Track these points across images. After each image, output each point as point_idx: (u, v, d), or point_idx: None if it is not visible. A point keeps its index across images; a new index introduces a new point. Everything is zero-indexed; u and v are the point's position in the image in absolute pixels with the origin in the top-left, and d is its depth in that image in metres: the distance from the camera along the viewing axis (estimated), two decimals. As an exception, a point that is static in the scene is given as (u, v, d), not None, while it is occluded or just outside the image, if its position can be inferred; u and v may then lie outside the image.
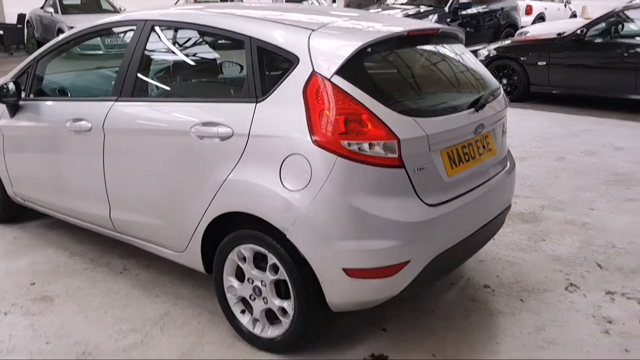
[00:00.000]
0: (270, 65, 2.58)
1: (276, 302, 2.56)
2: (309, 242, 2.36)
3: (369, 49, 2.48)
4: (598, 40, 7.93)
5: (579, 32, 7.99)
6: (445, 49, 2.93)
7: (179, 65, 3.17)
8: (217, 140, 2.58)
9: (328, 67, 2.38)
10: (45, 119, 3.41)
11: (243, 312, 2.74)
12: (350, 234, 2.32)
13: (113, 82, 3.11)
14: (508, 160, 3.13)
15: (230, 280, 2.73)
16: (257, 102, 2.50)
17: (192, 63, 3.14)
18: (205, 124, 2.63)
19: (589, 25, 8.05)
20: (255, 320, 2.69)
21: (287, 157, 2.37)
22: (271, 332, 2.64)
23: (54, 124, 3.33)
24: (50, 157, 3.41)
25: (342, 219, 2.32)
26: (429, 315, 2.98)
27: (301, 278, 2.44)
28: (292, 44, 2.49)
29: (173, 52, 3.14)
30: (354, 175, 2.30)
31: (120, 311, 3.04)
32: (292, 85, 2.43)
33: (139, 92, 3.01)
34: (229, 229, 2.67)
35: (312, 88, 2.37)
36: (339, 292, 2.41)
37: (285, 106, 2.43)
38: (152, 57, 3.08)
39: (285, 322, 2.56)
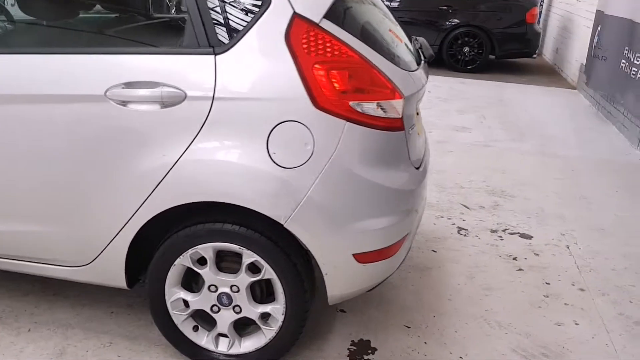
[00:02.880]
0: (225, 5, 1.94)
1: (257, 309, 2.04)
2: (314, 229, 1.90)
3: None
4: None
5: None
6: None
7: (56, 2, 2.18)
8: (156, 106, 1.86)
9: (313, 8, 1.88)
10: None
11: (195, 329, 2.12)
12: (364, 213, 1.95)
13: None
14: None
15: (175, 292, 2.07)
16: (215, 54, 1.86)
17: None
18: (130, 84, 1.87)
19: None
20: (218, 337, 2.11)
21: (276, 125, 1.84)
22: (246, 345, 2.10)
23: None
24: None
25: (354, 196, 1.92)
26: (372, 285, 2.76)
27: (297, 274, 1.97)
28: (257, -24, 1.90)
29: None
30: (364, 142, 1.91)
31: (-13, 365, 2.09)
32: (267, 31, 1.86)
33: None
34: (170, 227, 2.00)
35: (297, 34, 1.85)
36: (345, 282, 2.03)
37: (262, 59, 1.85)
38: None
39: (270, 329, 2.06)
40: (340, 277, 1.99)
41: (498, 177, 4.34)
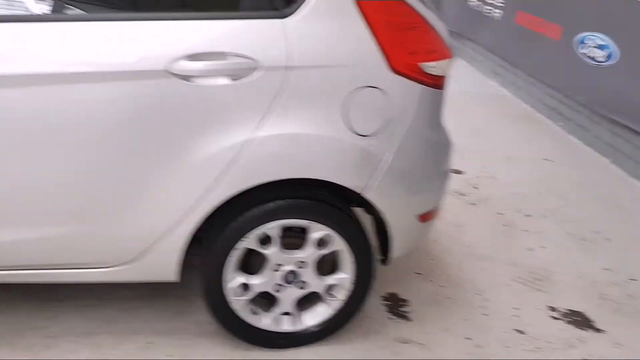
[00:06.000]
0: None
1: (324, 282, 1.99)
2: (390, 194, 1.89)
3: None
4: None
5: None
6: None
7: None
8: (224, 79, 1.65)
9: (375, -36, 1.79)
10: None
11: (253, 312, 2.01)
12: (430, 173, 1.98)
13: None
14: None
15: (234, 278, 1.92)
16: (283, 17, 1.69)
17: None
18: (194, 56, 1.62)
19: None
20: (281, 316, 2.02)
21: (353, 91, 1.75)
22: (309, 319, 2.05)
23: None
24: None
25: (424, 158, 1.94)
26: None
27: (367, 242, 1.96)
28: None
29: None
30: (430, 102, 1.91)
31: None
32: (334, -11, 1.73)
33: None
34: (235, 210, 1.83)
35: (363, -7, 1.76)
36: (407, 242, 2.06)
37: (330, 22, 1.73)
38: None
39: (336, 300, 2.03)
40: (404, 238, 2.02)
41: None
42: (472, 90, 5.62)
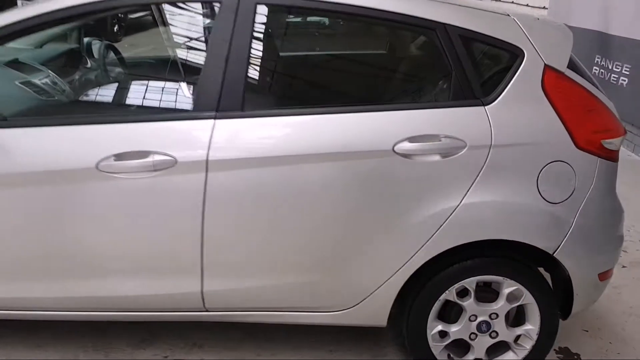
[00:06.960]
0: (482, 60, 2.13)
1: (514, 332, 2.24)
2: (576, 255, 2.15)
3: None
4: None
5: None
6: None
7: (329, 63, 2.22)
8: (437, 157, 2.02)
9: (559, 59, 2.13)
10: (48, 158, 1.96)
11: (449, 357, 2.29)
12: (610, 236, 2.23)
13: (186, 92, 2.02)
14: None
15: (435, 325, 2.22)
16: (485, 105, 2.05)
17: (355, 59, 2.24)
18: (413, 138, 2.01)
19: None
20: (472, 361, 2.29)
21: (544, 166, 2.06)
22: (498, 365, 2.30)
23: (71, 163, 1.96)
24: (52, 224, 2.00)
25: (606, 222, 2.20)
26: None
27: (553, 298, 2.21)
28: (510, 34, 2.10)
29: (314, 44, 2.18)
30: (608, 173, 2.18)
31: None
32: (525, 81, 2.08)
33: (260, 102, 2.04)
34: (439, 265, 2.15)
35: (550, 83, 2.09)
36: (586, 299, 2.29)
37: (524, 107, 2.07)
38: (273, 49, 2.09)
39: (523, 349, 2.27)
40: (585, 295, 2.26)
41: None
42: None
